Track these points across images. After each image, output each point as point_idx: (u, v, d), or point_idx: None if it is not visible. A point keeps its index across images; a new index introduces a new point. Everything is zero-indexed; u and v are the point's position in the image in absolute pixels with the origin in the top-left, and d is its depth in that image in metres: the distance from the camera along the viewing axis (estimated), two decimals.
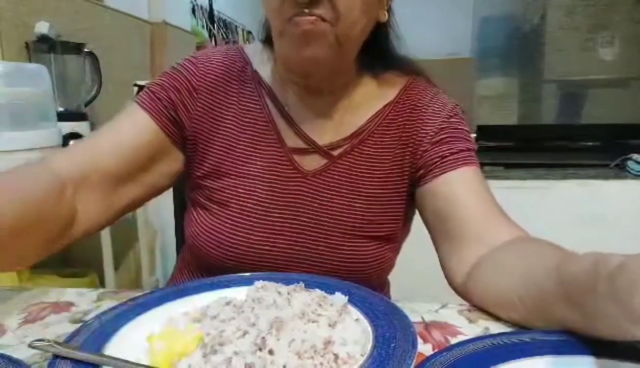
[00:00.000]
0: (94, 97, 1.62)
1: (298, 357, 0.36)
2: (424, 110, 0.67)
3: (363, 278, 0.61)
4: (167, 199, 0.83)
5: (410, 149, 0.66)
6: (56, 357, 0.37)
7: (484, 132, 2.03)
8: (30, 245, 0.51)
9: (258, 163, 0.65)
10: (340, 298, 0.45)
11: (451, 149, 0.63)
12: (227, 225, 0.63)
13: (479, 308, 0.51)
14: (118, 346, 0.39)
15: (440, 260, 0.63)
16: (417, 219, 0.70)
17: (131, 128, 0.63)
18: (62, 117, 1.40)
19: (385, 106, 0.67)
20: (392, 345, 0.37)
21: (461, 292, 0.57)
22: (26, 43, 1.43)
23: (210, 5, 2.88)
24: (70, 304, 0.53)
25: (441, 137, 0.65)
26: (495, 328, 0.47)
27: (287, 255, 0.63)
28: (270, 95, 0.67)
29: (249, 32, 3.54)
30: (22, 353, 0.42)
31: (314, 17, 0.53)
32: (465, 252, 0.58)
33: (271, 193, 0.64)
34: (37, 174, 0.54)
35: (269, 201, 0.64)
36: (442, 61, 2.72)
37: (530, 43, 2.93)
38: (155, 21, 2.18)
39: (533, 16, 2.91)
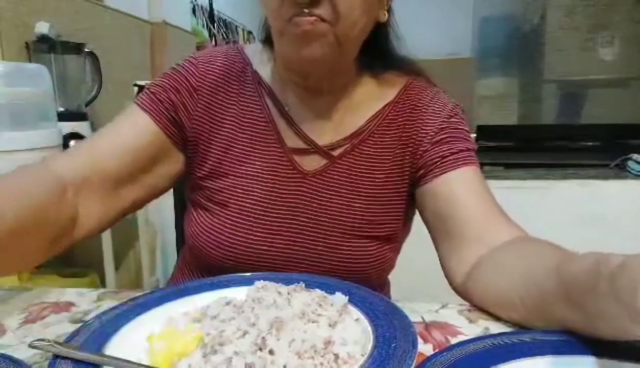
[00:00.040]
0: (94, 97, 1.62)
1: (298, 357, 0.36)
2: (424, 110, 0.67)
3: (363, 279, 0.61)
4: (167, 199, 0.83)
5: (411, 149, 0.66)
6: (56, 357, 0.37)
7: (484, 132, 2.03)
8: (31, 247, 0.51)
9: (258, 163, 0.65)
10: (340, 298, 0.45)
11: (451, 149, 0.63)
12: (227, 225, 0.63)
13: (479, 308, 0.51)
14: (118, 346, 0.39)
15: (440, 260, 0.63)
16: (417, 219, 0.70)
17: (131, 129, 0.63)
18: (63, 117, 1.39)
19: (385, 106, 0.67)
20: (393, 345, 0.37)
21: (461, 292, 0.57)
22: (26, 43, 1.43)
23: (211, 5, 2.88)
24: (71, 304, 0.53)
25: (441, 137, 0.65)
26: (496, 328, 0.47)
27: (286, 255, 0.63)
28: (270, 96, 0.67)
29: (249, 32, 3.54)
30: (22, 353, 0.42)
31: (313, 18, 0.53)
32: (465, 252, 0.58)
33: (271, 194, 0.64)
34: (38, 176, 0.54)
35: (269, 201, 0.64)
36: (442, 61, 2.72)
37: (530, 43, 2.93)
38: (155, 21, 2.18)
39: (533, 16, 2.91)
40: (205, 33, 2.79)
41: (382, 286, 0.74)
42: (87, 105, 1.58)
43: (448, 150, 0.63)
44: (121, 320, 0.44)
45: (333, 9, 0.54)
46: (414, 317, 0.46)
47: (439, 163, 0.63)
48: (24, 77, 1.24)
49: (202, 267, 0.68)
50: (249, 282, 0.49)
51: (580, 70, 2.84)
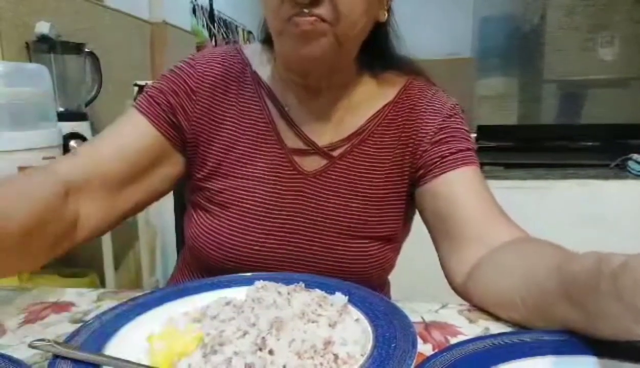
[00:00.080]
0: (94, 97, 1.62)
1: (298, 357, 0.36)
2: (423, 109, 0.67)
3: (364, 279, 0.61)
4: (167, 201, 0.83)
5: (410, 148, 0.66)
6: (56, 357, 0.37)
7: (484, 132, 2.03)
8: (34, 249, 0.51)
9: (258, 164, 0.65)
10: (340, 298, 0.45)
11: (451, 148, 0.63)
12: (227, 226, 0.63)
13: (479, 308, 0.51)
14: (118, 346, 0.39)
15: (440, 260, 0.63)
16: (417, 219, 0.70)
17: (132, 132, 0.64)
18: (63, 117, 1.39)
19: (384, 106, 0.67)
20: (392, 345, 0.37)
21: (461, 292, 0.57)
22: (26, 43, 1.43)
23: (211, 5, 2.88)
24: (71, 304, 0.53)
25: (441, 136, 0.64)
26: (496, 328, 0.46)
27: (286, 256, 0.63)
28: (270, 96, 0.67)
29: (250, 32, 3.54)
30: (22, 353, 0.42)
31: (313, 18, 0.53)
32: (465, 252, 0.58)
33: (272, 195, 0.64)
34: (41, 180, 0.55)
35: (270, 202, 0.64)
36: (442, 61, 2.72)
37: (530, 43, 2.93)
38: (156, 21, 2.17)
39: (533, 16, 2.91)
40: (205, 33, 2.79)
41: (382, 286, 0.74)
42: (87, 105, 1.58)
43: (447, 150, 0.63)
44: (121, 320, 0.43)
45: (334, 9, 0.54)
46: (413, 317, 0.46)
47: (438, 163, 0.63)
48: (24, 77, 1.24)
49: (202, 268, 0.68)
50: (249, 282, 0.49)
51: (580, 70, 2.84)
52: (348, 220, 0.64)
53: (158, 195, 0.67)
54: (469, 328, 0.47)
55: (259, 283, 0.48)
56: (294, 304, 0.43)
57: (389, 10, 0.63)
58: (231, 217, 0.63)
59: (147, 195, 0.65)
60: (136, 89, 1.39)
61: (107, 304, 0.51)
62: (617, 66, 2.78)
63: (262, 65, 0.68)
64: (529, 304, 0.45)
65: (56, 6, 1.57)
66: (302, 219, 0.64)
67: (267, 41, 0.67)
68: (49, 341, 0.38)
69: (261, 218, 0.63)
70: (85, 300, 0.54)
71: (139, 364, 0.36)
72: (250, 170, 0.65)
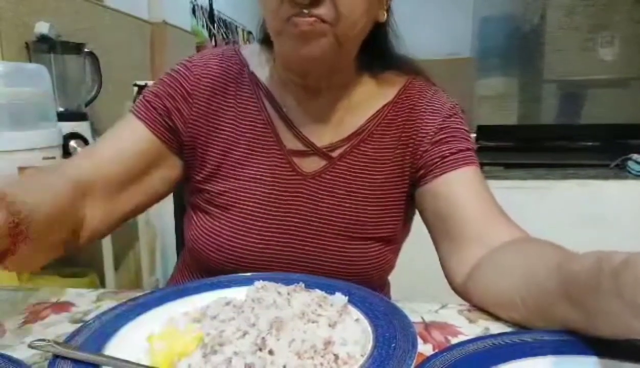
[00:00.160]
0: (94, 97, 1.62)
1: (298, 357, 0.36)
2: (423, 109, 0.67)
3: (365, 280, 0.61)
4: (167, 201, 0.83)
5: (410, 149, 0.66)
6: (56, 357, 0.37)
7: (484, 132, 2.03)
8: (53, 241, 0.52)
9: (258, 166, 0.65)
10: (340, 298, 0.45)
11: (451, 148, 0.63)
12: (226, 228, 0.63)
13: (479, 308, 0.51)
14: (118, 346, 0.39)
15: (440, 260, 0.63)
16: (417, 219, 0.70)
17: (130, 136, 0.64)
18: (62, 117, 1.39)
19: (384, 106, 0.67)
20: (392, 345, 0.37)
21: (461, 292, 0.57)
22: (26, 43, 1.43)
23: (211, 5, 2.88)
24: (70, 304, 0.53)
25: (441, 136, 0.64)
26: (496, 328, 0.46)
27: (286, 257, 0.63)
28: (268, 97, 0.67)
29: (249, 32, 3.54)
30: (22, 353, 0.42)
31: (313, 18, 0.53)
32: (465, 252, 0.58)
33: (271, 196, 0.64)
34: (57, 177, 0.56)
35: (270, 204, 0.64)
36: (442, 61, 2.72)
37: (530, 43, 2.93)
38: (155, 21, 2.17)
39: (533, 16, 2.91)
40: (205, 33, 2.79)
41: (382, 286, 0.74)
42: (87, 105, 1.58)
43: (448, 150, 0.63)
44: (121, 320, 0.44)
45: (334, 9, 0.53)
46: (413, 317, 0.46)
47: (439, 163, 0.63)
48: (23, 77, 1.24)
49: (202, 270, 0.68)
50: (248, 282, 0.49)
51: (580, 70, 2.84)
52: (347, 220, 0.64)
53: (157, 198, 0.68)
54: (469, 328, 0.47)
55: (258, 284, 0.48)
56: (294, 304, 0.43)
57: (388, 10, 0.63)
58: (231, 219, 0.63)
59: (147, 197, 0.66)
60: (136, 89, 1.39)
61: (107, 304, 0.51)
62: (617, 66, 2.78)
63: (260, 66, 0.68)
64: (529, 304, 0.45)
65: (56, 6, 1.57)
66: (301, 220, 0.64)
67: (266, 41, 0.67)
68: (49, 341, 0.38)
69: (261, 220, 0.63)
70: (85, 301, 0.54)
71: (139, 364, 0.36)
72: (249, 172, 0.65)
